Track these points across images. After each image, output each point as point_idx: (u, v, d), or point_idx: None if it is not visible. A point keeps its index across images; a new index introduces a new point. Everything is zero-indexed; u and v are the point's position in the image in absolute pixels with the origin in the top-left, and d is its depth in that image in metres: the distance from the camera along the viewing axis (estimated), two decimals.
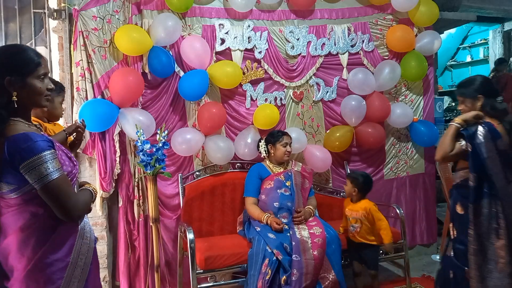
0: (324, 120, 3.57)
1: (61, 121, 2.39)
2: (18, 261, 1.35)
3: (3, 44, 3.02)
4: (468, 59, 9.54)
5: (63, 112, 2.17)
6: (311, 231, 2.72)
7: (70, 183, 1.40)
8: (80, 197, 1.47)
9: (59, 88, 2.12)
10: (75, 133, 1.90)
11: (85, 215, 1.54)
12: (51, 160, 1.31)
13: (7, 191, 1.33)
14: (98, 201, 2.88)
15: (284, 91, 3.42)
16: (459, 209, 2.20)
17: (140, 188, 3.03)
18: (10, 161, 1.29)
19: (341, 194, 3.51)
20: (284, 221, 2.80)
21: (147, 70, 3.01)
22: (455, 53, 10.04)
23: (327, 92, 3.52)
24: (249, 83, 3.31)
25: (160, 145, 2.66)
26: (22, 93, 1.35)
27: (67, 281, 1.38)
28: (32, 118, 1.78)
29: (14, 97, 1.33)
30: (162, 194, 3.10)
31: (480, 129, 2.12)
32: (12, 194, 1.33)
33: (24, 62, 1.36)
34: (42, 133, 1.45)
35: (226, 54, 3.25)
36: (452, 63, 9.98)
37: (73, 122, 2.07)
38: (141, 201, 3.04)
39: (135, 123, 2.78)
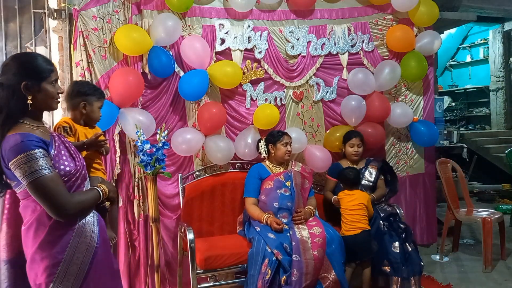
0: (324, 120, 3.57)
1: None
2: (25, 251, 1.49)
3: (3, 45, 3.02)
4: (468, 59, 9.55)
5: (100, 116, 2.24)
6: (311, 231, 2.72)
7: (61, 182, 1.44)
8: (75, 196, 1.49)
9: (99, 93, 2.23)
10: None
11: (94, 214, 1.57)
12: (37, 158, 1.38)
13: (14, 185, 1.46)
14: None
15: (284, 91, 3.42)
16: None
17: (140, 188, 3.03)
18: (2, 159, 1.41)
19: None
20: (284, 221, 2.80)
21: (147, 70, 3.01)
22: (455, 53, 10.05)
23: (327, 92, 3.52)
24: (249, 83, 3.31)
25: (160, 145, 2.65)
26: (37, 97, 1.47)
27: (60, 276, 1.43)
28: (65, 119, 1.98)
29: (30, 100, 1.44)
30: (162, 194, 3.10)
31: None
32: (17, 189, 1.46)
33: (39, 68, 1.47)
34: (50, 133, 1.54)
35: (226, 54, 3.25)
36: (452, 63, 9.99)
37: (95, 137, 2.07)
38: (141, 201, 3.04)
39: (135, 123, 2.78)
